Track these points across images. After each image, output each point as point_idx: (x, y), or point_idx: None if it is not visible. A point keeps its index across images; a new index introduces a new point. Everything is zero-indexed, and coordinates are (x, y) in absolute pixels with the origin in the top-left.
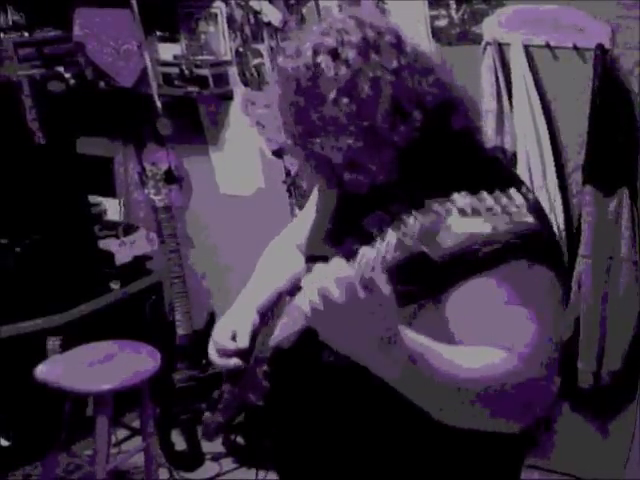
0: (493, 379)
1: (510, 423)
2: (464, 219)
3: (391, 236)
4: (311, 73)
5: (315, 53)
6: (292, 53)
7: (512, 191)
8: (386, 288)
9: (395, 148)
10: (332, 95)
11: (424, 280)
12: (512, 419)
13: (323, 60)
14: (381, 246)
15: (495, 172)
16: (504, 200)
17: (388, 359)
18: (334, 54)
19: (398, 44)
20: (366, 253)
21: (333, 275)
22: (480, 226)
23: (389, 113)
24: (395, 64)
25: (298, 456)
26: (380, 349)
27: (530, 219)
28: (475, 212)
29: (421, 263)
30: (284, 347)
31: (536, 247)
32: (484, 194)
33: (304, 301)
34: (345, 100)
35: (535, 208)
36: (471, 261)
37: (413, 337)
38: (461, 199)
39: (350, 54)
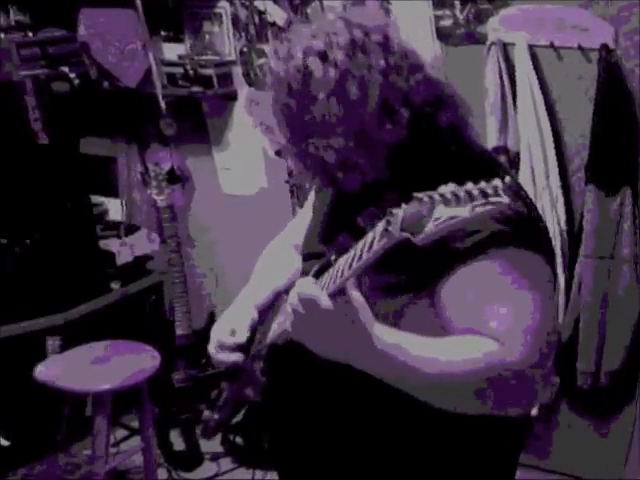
0: (473, 372)
1: (501, 409)
2: (444, 206)
3: (378, 226)
4: (301, 76)
5: (305, 56)
6: (283, 56)
7: (493, 178)
8: (355, 295)
9: (384, 146)
10: (321, 97)
11: (414, 268)
12: (503, 406)
13: (312, 62)
14: (369, 235)
15: (481, 165)
16: (482, 184)
17: (360, 358)
18: (323, 56)
19: (385, 43)
20: (341, 260)
21: (298, 292)
22: (459, 210)
23: (377, 113)
24: (382, 64)
25: (296, 451)
26: (351, 350)
27: (506, 199)
28: (455, 198)
29: (408, 251)
30: (280, 344)
31: (524, 232)
32: (466, 182)
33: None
34: (334, 102)
35: (514, 189)
36: (460, 248)
37: (386, 337)
38: (444, 187)
39: (338, 56)
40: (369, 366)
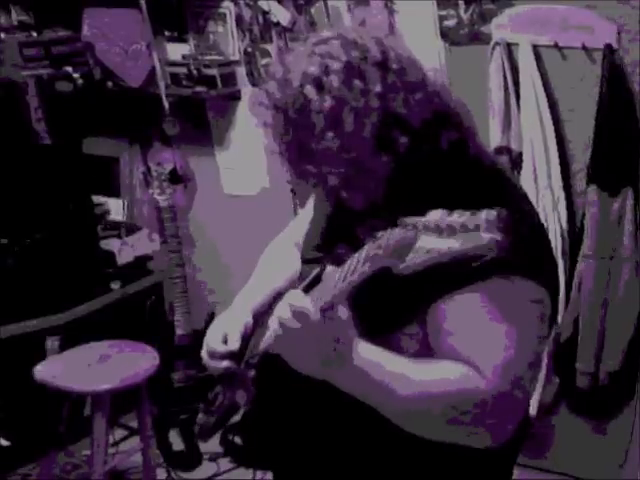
0: (444, 396)
1: (472, 439)
2: (427, 235)
3: (365, 249)
4: (299, 104)
5: (302, 83)
6: (280, 80)
7: (482, 209)
8: (342, 311)
9: (381, 174)
10: (318, 129)
11: (398, 294)
12: (474, 435)
13: (308, 91)
14: (355, 258)
15: (480, 187)
16: (467, 217)
17: (337, 374)
18: (318, 84)
19: (383, 61)
20: (331, 275)
21: (289, 304)
22: (439, 242)
23: (373, 144)
24: (379, 88)
25: (287, 458)
26: (328, 367)
27: (486, 236)
28: (438, 229)
29: (390, 277)
30: (272, 352)
31: (516, 259)
32: (453, 211)
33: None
34: (330, 134)
35: (499, 222)
36: (448, 276)
37: (366, 354)
38: (431, 215)
39: (333, 83)
40: (345, 382)
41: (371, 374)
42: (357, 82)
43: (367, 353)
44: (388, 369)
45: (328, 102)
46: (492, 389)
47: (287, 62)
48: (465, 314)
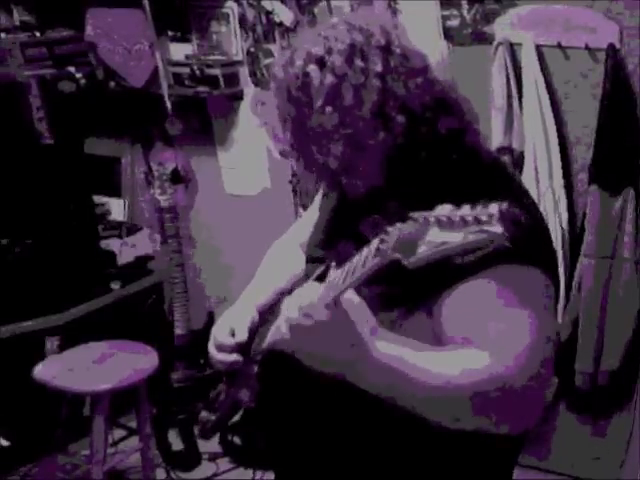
0: (471, 385)
1: (499, 426)
2: (439, 229)
3: (373, 243)
4: (300, 82)
5: (305, 62)
6: (285, 62)
7: (490, 201)
8: (356, 300)
9: (380, 153)
10: (318, 104)
11: (409, 284)
12: (501, 422)
13: (311, 69)
14: (365, 251)
15: (482, 179)
16: (478, 209)
17: (355, 366)
18: (321, 62)
19: (386, 46)
20: (337, 270)
21: (299, 301)
22: (452, 236)
23: (371, 120)
24: (380, 69)
25: (290, 456)
26: (347, 359)
27: (499, 228)
28: (450, 222)
29: (400, 271)
30: (276, 349)
31: (522, 247)
32: (463, 205)
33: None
34: (329, 109)
35: (510, 214)
36: (459, 265)
37: (385, 347)
38: (440, 209)
39: (336, 62)
40: (364, 374)
41: (390, 364)
42: (359, 62)
43: (386, 342)
44: (409, 361)
45: (329, 79)
46: (513, 375)
47: (294, 45)
48: (479, 300)
